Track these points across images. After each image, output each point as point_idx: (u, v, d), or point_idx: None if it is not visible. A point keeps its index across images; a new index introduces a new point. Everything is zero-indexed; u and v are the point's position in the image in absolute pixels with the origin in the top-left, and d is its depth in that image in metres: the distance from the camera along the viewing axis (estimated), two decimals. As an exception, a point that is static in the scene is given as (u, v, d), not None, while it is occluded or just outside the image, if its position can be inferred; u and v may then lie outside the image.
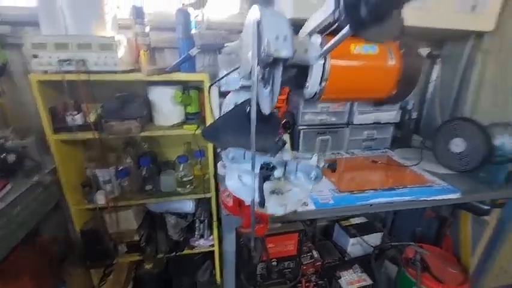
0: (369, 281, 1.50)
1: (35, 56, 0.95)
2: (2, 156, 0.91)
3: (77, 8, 0.98)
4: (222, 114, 0.65)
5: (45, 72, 1.00)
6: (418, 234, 1.68)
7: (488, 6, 1.19)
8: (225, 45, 1.21)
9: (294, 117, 1.28)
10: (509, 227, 1.16)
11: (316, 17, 0.44)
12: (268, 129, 0.60)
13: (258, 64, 0.37)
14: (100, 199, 1.19)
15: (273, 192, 0.47)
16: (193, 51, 1.18)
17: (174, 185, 1.31)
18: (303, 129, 1.24)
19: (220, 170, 0.69)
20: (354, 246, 1.67)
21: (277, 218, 0.81)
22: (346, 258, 1.62)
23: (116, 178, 1.23)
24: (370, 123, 1.32)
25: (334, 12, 0.37)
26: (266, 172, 0.46)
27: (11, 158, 0.93)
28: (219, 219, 1.36)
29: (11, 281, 0.95)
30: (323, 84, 0.41)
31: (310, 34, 0.45)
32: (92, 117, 1.08)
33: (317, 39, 0.41)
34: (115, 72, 1.04)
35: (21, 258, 1.03)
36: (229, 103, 0.69)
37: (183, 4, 1.17)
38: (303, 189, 0.47)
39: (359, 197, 0.91)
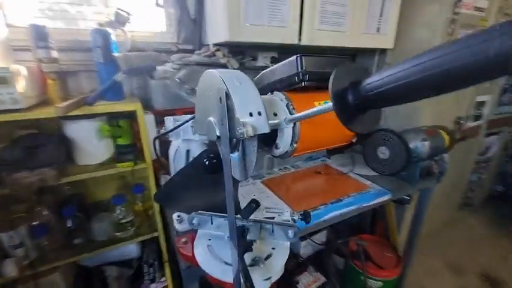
0: (322, 279, 1.61)
1: None
2: None
3: None
4: (173, 165, 0.58)
5: None
6: (356, 225, 1.88)
7: (388, 28, 1.43)
8: (158, 68, 1.10)
9: (238, 138, 1.26)
10: (425, 208, 1.40)
11: (276, 72, 0.42)
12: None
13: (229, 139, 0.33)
14: (10, 270, 0.93)
15: (253, 262, 0.43)
16: (119, 77, 1.03)
17: (112, 231, 1.12)
18: (249, 150, 1.23)
19: (177, 225, 0.62)
20: (305, 248, 1.76)
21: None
22: (300, 261, 1.70)
23: (30, 239, 0.98)
24: (309, 136, 1.41)
25: (297, 74, 0.36)
26: (245, 242, 0.42)
27: None
28: (170, 258, 1.23)
29: None
30: (294, 145, 0.39)
31: (270, 88, 0.43)
32: (-15, 171, 0.83)
33: (282, 98, 0.39)
34: (16, 110, 0.82)
35: None
36: (180, 151, 0.61)
37: (99, 24, 1.00)
38: (282, 250, 0.45)
39: (314, 215, 0.95)
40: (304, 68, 0.37)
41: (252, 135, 0.30)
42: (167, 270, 1.23)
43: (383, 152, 1.17)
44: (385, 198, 1.10)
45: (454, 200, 2.25)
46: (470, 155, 2.08)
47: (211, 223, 0.46)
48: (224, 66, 1.19)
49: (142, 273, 1.21)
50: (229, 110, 0.31)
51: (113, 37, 1.04)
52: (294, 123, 0.38)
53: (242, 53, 1.41)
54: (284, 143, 0.39)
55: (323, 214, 0.96)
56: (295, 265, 1.68)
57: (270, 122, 0.38)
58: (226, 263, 0.41)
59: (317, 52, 1.63)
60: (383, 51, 1.60)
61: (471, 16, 1.49)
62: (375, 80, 0.22)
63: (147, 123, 1.06)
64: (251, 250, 0.43)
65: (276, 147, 0.40)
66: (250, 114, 0.31)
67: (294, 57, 0.39)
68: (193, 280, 0.76)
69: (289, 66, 0.39)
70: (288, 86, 0.41)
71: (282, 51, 1.40)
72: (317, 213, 0.96)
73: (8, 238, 0.93)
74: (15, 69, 0.81)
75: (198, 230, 0.49)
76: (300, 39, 1.20)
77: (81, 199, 1.17)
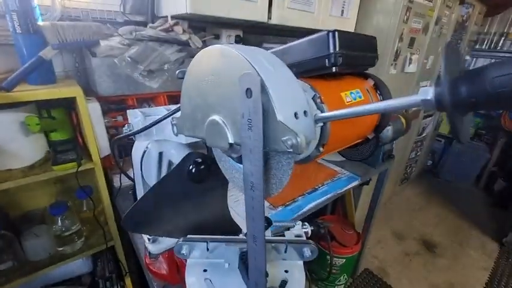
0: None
1: None
2: None
3: None
4: (137, 172, 0.44)
5: None
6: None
7: (351, 12, 1.43)
8: (101, 43, 0.88)
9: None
10: (383, 188, 1.50)
11: (293, 52, 0.32)
12: (219, 183, 0.46)
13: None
14: None
15: (267, 290, 0.35)
16: (48, 53, 0.79)
17: (52, 247, 0.91)
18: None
19: (150, 246, 0.49)
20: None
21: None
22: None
23: None
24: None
25: (329, 56, 0.27)
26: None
27: None
28: (131, 267, 1.08)
29: None
30: (321, 149, 0.31)
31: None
32: None
33: (307, 89, 0.30)
34: None
35: None
36: (150, 153, 0.48)
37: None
38: (298, 274, 0.37)
39: (294, 208, 0.92)
40: (338, 49, 0.29)
41: (306, 145, 0.20)
42: (128, 282, 1.07)
43: (353, 138, 1.18)
44: (356, 183, 1.13)
45: (397, 176, 2.51)
46: (411, 135, 2.31)
47: (207, 249, 0.36)
48: (185, 44, 1.02)
49: (97, 290, 1.03)
50: (265, 109, 0.21)
51: (35, 1, 0.78)
52: (324, 123, 0.30)
53: (203, 30, 1.24)
54: (309, 146, 0.31)
55: (303, 205, 0.93)
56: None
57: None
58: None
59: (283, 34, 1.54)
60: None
61: (422, 5, 1.57)
62: (509, 72, 0.16)
63: (91, 113, 0.85)
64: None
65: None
66: (295, 116, 0.21)
67: (323, 33, 0.29)
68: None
69: (316, 45, 0.30)
70: (311, 70, 0.32)
71: (248, 30, 1.28)
72: (297, 205, 0.93)
73: None
74: None
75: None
76: (269, 17, 1.10)
77: (5, 213, 0.92)
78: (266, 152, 0.26)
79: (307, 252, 0.36)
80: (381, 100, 0.39)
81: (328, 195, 1.01)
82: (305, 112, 0.22)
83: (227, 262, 0.36)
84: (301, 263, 0.38)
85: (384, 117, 0.40)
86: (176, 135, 0.36)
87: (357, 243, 1.58)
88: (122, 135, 0.45)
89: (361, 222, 1.66)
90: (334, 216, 1.82)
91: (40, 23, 0.78)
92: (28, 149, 0.82)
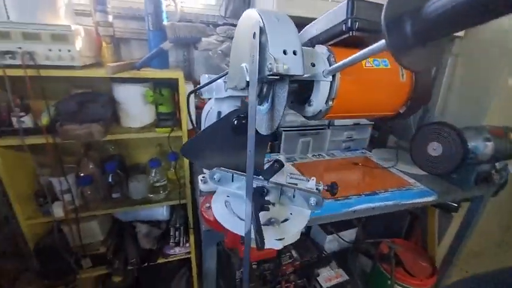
0: (345, 277, 1.54)
1: (-34, 46, 0.78)
2: None
3: (20, -11, 0.81)
4: (204, 127, 0.57)
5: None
6: (390, 228, 1.75)
7: None
8: (202, 39, 1.10)
9: (274, 118, 1.23)
10: (475, 221, 1.23)
11: (320, 23, 0.38)
12: (258, 144, 0.54)
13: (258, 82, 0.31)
14: (57, 211, 1.04)
15: (268, 222, 0.41)
16: (166, 46, 1.06)
17: (146, 192, 1.20)
18: (284, 131, 1.19)
19: (201, 185, 0.62)
20: (331, 243, 1.69)
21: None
22: (323, 255, 1.64)
23: (76, 186, 1.09)
24: (350, 124, 1.32)
25: (346, 21, 0.32)
26: (262, 201, 0.40)
27: None
28: (195, 225, 1.28)
29: None
30: (330, 103, 0.35)
31: (312, 42, 0.39)
32: (43, 120, 0.93)
33: (323, 50, 0.35)
34: (72, 67, 0.89)
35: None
36: (212, 112, 0.61)
37: (152, -9, 1.03)
38: (301, 218, 0.42)
39: (343, 204, 0.89)
40: (354, 14, 0.32)
41: (283, 72, 0.27)
42: (191, 237, 1.28)
43: (434, 148, 1.04)
44: (429, 199, 0.99)
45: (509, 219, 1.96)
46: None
47: (232, 180, 0.45)
48: (268, 42, 1.16)
49: (169, 236, 1.28)
50: (262, 46, 0.28)
51: (164, 7, 1.07)
52: (333, 77, 0.34)
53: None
54: (319, 99, 0.35)
55: (353, 204, 0.89)
56: (317, 257, 1.63)
57: (306, 72, 0.34)
58: (241, 219, 0.39)
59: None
60: (450, 39, 1.39)
61: None
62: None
63: (187, 93, 1.09)
64: (267, 209, 0.41)
65: (309, 104, 0.37)
66: (284, 52, 0.28)
67: (344, 2, 0.34)
68: (211, 244, 0.76)
69: (336, 13, 0.35)
70: (333, 37, 0.36)
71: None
72: (347, 203, 0.90)
73: (58, 183, 1.04)
74: (76, 29, 0.88)
75: (218, 187, 0.48)
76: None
77: (122, 159, 1.26)
78: (273, 88, 0.33)
79: (313, 201, 0.40)
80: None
81: (389, 202, 0.93)
82: (294, 52, 0.28)
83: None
84: (307, 212, 0.42)
85: (417, 90, 0.39)
86: (226, 90, 0.47)
87: (431, 278, 1.35)
88: (193, 90, 0.59)
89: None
90: (408, 241, 1.60)
91: (164, 23, 1.06)
92: (143, 115, 1.11)
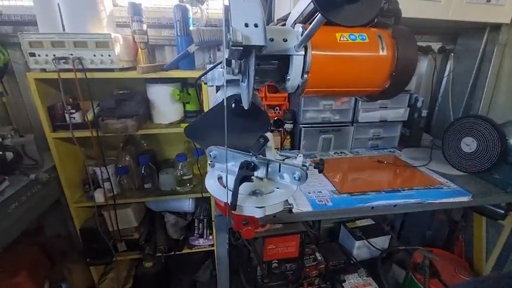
0: (374, 286, 1.45)
1: (32, 55, 0.95)
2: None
3: (73, 6, 0.97)
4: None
5: (44, 70, 1.01)
6: (428, 238, 1.60)
7: None
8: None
9: (295, 115, 1.24)
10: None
11: (301, 5, 0.40)
12: (257, 127, 0.57)
13: (231, 55, 0.34)
14: (99, 197, 1.19)
15: (253, 193, 0.44)
16: (192, 48, 1.16)
17: (174, 184, 1.29)
18: (304, 127, 1.19)
19: (209, 169, 0.67)
20: (360, 249, 1.61)
21: (271, 219, 0.78)
22: (352, 262, 1.57)
23: (115, 176, 1.23)
24: (377, 122, 1.26)
25: None
26: (245, 172, 0.43)
27: (9, 155, 0.94)
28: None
29: (9, 276, 0.96)
30: (305, 76, 0.37)
31: (294, 24, 0.41)
32: (89, 116, 1.08)
33: (298, 28, 0.37)
34: (111, 70, 1.03)
35: (21, 254, 1.04)
36: (218, 99, 0.65)
37: (180, 0, 1.15)
38: (286, 191, 0.44)
39: (359, 199, 0.86)
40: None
41: (243, 42, 0.30)
42: (214, 230, 1.33)
43: (468, 144, 0.95)
44: (463, 199, 0.89)
45: None
46: None
47: (226, 159, 0.49)
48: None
49: (194, 227, 1.36)
50: (228, 22, 0.31)
51: (191, 14, 1.17)
52: (306, 51, 0.36)
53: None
54: (294, 73, 0.37)
55: (371, 200, 0.85)
56: (345, 263, 1.56)
57: (277, 46, 0.37)
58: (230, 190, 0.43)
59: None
60: (495, 27, 1.26)
61: None
62: None
63: (210, 93, 1.16)
64: (251, 181, 0.43)
65: (288, 79, 0.39)
66: (246, 25, 0.31)
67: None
68: (222, 229, 0.80)
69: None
70: (310, 17, 0.38)
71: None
72: (365, 198, 0.86)
73: (100, 172, 1.18)
74: (115, 37, 1.02)
75: (209, 168, 0.52)
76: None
77: (154, 154, 1.39)
78: (244, 64, 0.36)
79: (297, 175, 0.41)
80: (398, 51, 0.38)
81: (412, 200, 0.86)
82: (255, 24, 0.31)
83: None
84: (293, 187, 0.43)
85: (401, 63, 0.38)
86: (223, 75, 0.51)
87: (474, 293, 1.19)
88: (198, 77, 0.65)
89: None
90: (448, 252, 1.44)
91: (191, 28, 1.16)
92: (171, 112, 1.22)
